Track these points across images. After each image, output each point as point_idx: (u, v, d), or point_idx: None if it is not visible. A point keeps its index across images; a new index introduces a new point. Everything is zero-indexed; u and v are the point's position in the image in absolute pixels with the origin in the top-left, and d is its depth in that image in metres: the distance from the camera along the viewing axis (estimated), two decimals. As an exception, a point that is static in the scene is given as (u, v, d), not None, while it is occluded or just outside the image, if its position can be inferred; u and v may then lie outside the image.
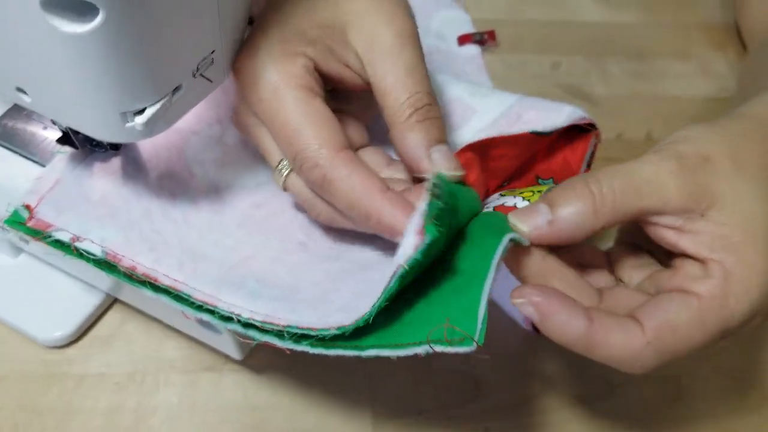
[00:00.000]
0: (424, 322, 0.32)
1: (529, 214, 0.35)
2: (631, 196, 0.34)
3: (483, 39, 0.65)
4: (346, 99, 0.40)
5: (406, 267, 0.30)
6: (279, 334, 0.34)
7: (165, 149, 0.41)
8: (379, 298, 0.31)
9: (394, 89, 0.36)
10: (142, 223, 0.37)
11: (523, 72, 0.64)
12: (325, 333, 0.32)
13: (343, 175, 0.34)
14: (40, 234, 0.36)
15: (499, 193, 0.40)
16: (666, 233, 0.35)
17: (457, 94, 0.46)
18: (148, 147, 0.41)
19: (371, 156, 0.39)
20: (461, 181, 0.37)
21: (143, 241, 0.36)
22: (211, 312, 0.34)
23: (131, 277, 0.35)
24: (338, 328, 0.32)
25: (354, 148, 0.38)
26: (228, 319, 0.34)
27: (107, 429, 0.43)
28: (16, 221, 0.37)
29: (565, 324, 0.33)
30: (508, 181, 0.43)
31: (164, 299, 0.35)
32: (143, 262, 0.35)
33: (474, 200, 0.38)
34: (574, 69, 0.65)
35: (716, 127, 0.36)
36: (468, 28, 0.66)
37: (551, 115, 0.43)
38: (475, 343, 0.30)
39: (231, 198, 0.40)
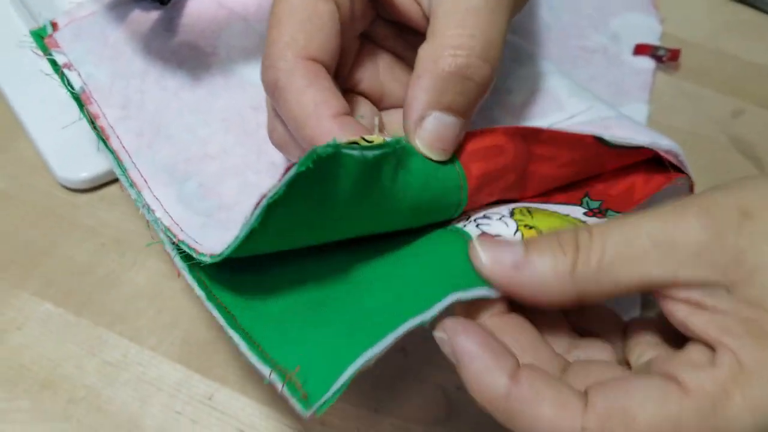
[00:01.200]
0: (293, 343, 0.27)
1: (498, 245, 0.27)
2: (628, 264, 0.26)
3: (663, 55, 0.55)
4: (412, 45, 0.34)
5: (266, 202, 0.25)
6: (174, 246, 0.30)
7: (207, 21, 0.39)
8: (237, 236, 0.26)
9: (443, 23, 0.29)
10: (133, 77, 0.36)
11: (694, 107, 0.54)
12: (202, 258, 0.28)
13: (297, 86, 0.29)
14: (46, 51, 0.36)
15: (509, 208, 0.33)
16: (676, 308, 0.26)
17: (554, 86, 0.39)
18: (192, 13, 0.39)
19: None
20: (439, 162, 0.30)
21: (121, 96, 0.35)
22: (138, 194, 0.32)
23: (93, 123, 0.34)
24: (211, 256, 0.28)
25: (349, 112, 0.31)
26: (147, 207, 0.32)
27: (71, 277, 0.43)
28: (39, 34, 0.37)
29: (482, 378, 0.25)
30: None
31: (111, 159, 0.33)
32: (108, 115, 0.34)
33: (444, 194, 0.31)
34: (758, 123, 0.54)
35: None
36: (652, 39, 0.57)
37: (644, 138, 0.35)
38: (311, 409, 0.25)
39: (234, 90, 0.38)
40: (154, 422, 0.38)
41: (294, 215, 0.26)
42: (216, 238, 0.29)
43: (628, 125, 0.35)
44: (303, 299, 0.29)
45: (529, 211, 0.33)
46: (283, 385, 0.25)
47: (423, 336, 0.28)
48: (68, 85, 0.35)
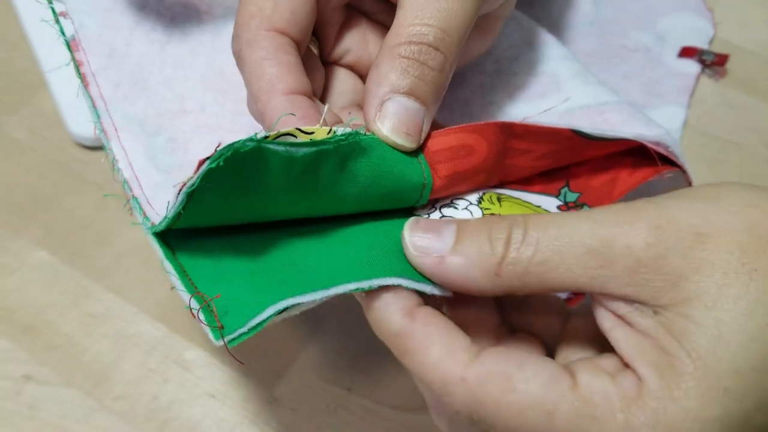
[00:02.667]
0: (221, 278, 0.27)
1: (428, 230, 0.26)
2: (556, 270, 0.24)
3: (710, 60, 0.52)
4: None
5: (185, 190, 0.24)
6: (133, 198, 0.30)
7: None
8: (165, 216, 0.26)
9: (405, 12, 0.29)
10: (122, 29, 0.36)
11: (735, 116, 0.51)
12: (146, 224, 0.28)
13: (255, 58, 0.28)
14: (50, 1, 0.37)
15: (479, 194, 0.31)
16: (603, 315, 0.25)
17: (558, 68, 0.37)
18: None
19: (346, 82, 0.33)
20: (400, 150, 0.29)
21: (107, 45, 0.35)
22: (107, 142, 0.32)
23: (78, 69, 0.34)
24: (152, 226, 0.28)
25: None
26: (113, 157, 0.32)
27: (69, 229, 0.43)
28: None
29: (381, 312, 0.25)
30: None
31: (88, 105, 0.34)
32: (92, 63, 0.34)
33: (403, 192, 0.29)
34: (805, 137, 0.50)
35: (750, 192, 0.24)
36: (701, 42, 0.54)
37: (637, 127, 0.33)
38: (222, 340, 0.25)
39: (220, 49, 0.37)
40: (125, 377, 0.38)
41: (219, 200, 0.25)
42: (165, 201, 0.29)
43: (626, 112, 0.33)
44: (242, 248, 0.28)
45: (499, 198, 0.31)
46: (198, 310, 0.25)
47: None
48: (62, 32, 0.35)
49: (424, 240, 0.26)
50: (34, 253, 0.42)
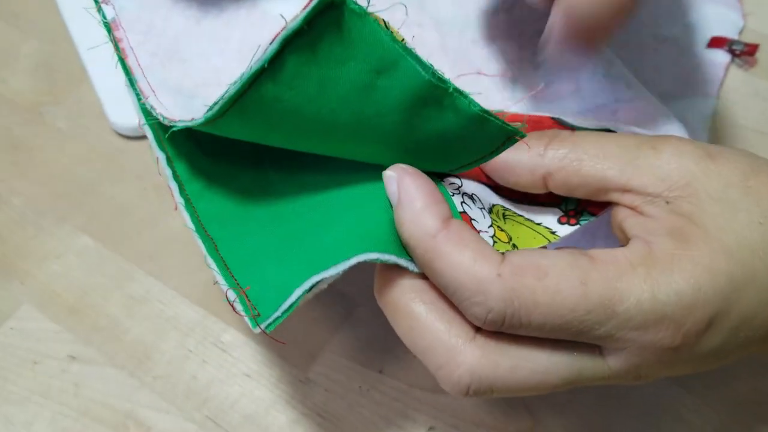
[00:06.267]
0: (252, 265, 0.28)
1: None
2: (592, 157, 0.29)
3: (740, 50, 0.52)
4: None
5: (288, 32, 0.23)
6: (159, 126, 0.31)
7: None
8: (236, 81, 0.25)
9: None
10: (160, 8, 0.37)
11: (765, 106, 0.51)
12: (182, 124, 0.28)
13: None
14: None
15: (490, 203, 0.32)
16: (617, 211, 0.29)
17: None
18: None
19: None
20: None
21: (145, 23, 0.36)
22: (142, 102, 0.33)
23: (116, 45, 0.35)
24: (192, 120, 0.27)
25: None
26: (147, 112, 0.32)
27: (112, 215, 0.45)
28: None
29: (417, 216, 0.27)
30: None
31: (124, 74, 0.34)
32: (130, 39, 0.35)
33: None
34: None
35: (751, 155, 0.29)
36: (731, 33, 0.54)
37: (648, 124, 0.33)
38: (259, 327, 0.26)
39: (254, 23, 0.38)
40: (165, 357, 0.40)
41: (310, 66, 0.24)
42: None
43: (636, 110, 0.34)
44: (271, 228, 0.29)
45: (504, 215, 0.32)
46: (235, 301, 0.26)
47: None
48: (103, 16, 0.36)
49: None
50: (78, 238, 0.44)
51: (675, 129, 0.33)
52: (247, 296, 0.26)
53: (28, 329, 0.41)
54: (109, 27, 0.35)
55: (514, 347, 0.27)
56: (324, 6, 0.23)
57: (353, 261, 0.26)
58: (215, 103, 0.25)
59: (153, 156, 0.32)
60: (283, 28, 0.23)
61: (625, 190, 0.28)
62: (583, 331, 0.26)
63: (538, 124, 0.32)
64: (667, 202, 0.28)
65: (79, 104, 0.49)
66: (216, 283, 0.28)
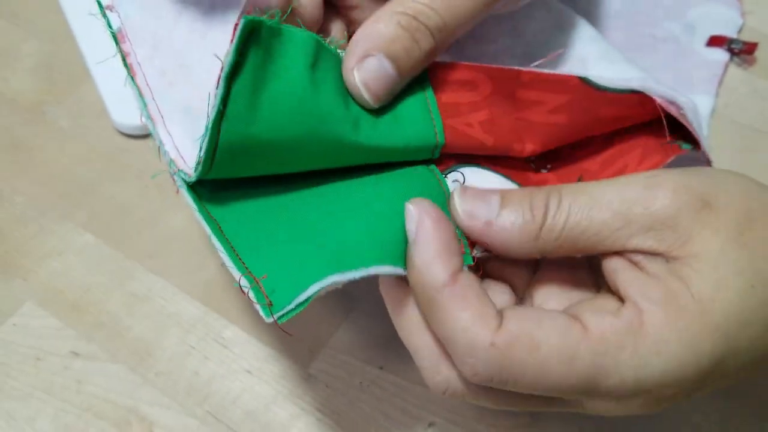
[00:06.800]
0: (267, 255, 0.28)
1: (476, 198, 0.29)
2: (587, 233, 0.27)
3: (738, 48, 0.53)
4: None
5: (227, 68, 0.26)
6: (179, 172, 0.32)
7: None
8: (210, 112, 0.27)
9: None
10: (165, 18, 0.37)
11: (765, 105, 0.51)
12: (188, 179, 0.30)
13: None
14: (97, -5, 0.38)
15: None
16: (612, 259, 0.28)
17: (584, 52, 0.38)
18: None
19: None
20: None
21: (151, 35, 0.36)
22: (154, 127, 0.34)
23: (124, 60, 0.36)
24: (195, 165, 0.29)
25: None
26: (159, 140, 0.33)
27: (113, 214, 0.45)
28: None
29: (429, 264, 0.27)
30: (547, 169, 0.35)
31: (135, 94, 0.35)
32: (138, 54, 0.36)
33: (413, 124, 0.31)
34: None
35: (751, 182, 0.29)
36: (730, 32, 0.54)
37: (655, 87, 0.33)
38: (272, 316, 0.26)
39: None
40: (166, 353, 0.40)
41: (254, 92, 0.27)
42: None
43: (656, 87, 0.34)
44: (284, 217, 0.29)
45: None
46: (249, 290, 0.26)
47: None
48: (109, 25, 0.37)
49: (473, 206, 0.29)
50: (79, 236, 0.44)
51: (684, 101, 0.33)
52: (262, 285, 0.26)
53: (30, 326, 0.41)
54: (116, 38, 0.35)
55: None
56: (246, 33, 0.26)
57: (372, 271, 0.27)
58: (197, 162, 0.28)
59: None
60: (221, 69, 0.26)
61: (625, 251, 0.28)
62: (565, 395, 0.27)
63: (564, 84, 0.32)
64: (667, 261, 0.27)
65: (80, 103, 0.49)
66: (223, 264, 0.28)
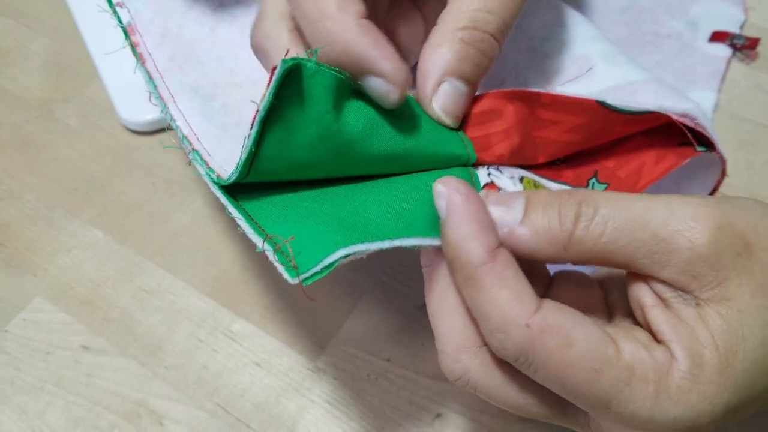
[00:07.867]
0: (290, 221, 0.28)
1: (498, 203, 0.28)
2: (622, 250, 0.26)
3: (740, 44, 0.53)
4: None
5: (262, 112, 0.26)
6: (193, 152, 0.32)
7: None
8: (243, 148, 0.27)
9: None
10: (174, 13, 0.38)
11: (766, 100, 0.51)
12: (210, 175, 0.30)
13: None
14: (107, -7, 0.39)
15: (520, 174, 0.33)
16: (642, 292, 0.27)
17: (590, 51, 0.38)
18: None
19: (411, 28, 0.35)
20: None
21: (160, 27, 0.37)
22: (164, 106, 0.34)
23: (134, 50, 0.36)
24: (217, 178, 0.29)
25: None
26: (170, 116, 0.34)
27: (123, 210, 0.45)
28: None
29: (464, 242, 0.26)
30: (561, 161, 0.35)
31: (144, 78, 0.35)
32: (147, 43, 0.36)
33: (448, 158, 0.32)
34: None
35: None
36: (732, 28, 0.54)
37: (665, 103, 0.34)
38: (298, 277, 0.26)
39: None
40: (176, 347, 0.40)
41: (287, 129, 0.27)
42: (227, 150, 0.31)
43: (654, 90, 0.34)
44: (305, 194, 0.30)
45: (536, 185, 0.33)
46: (273, 252, 0.26)
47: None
48: (119, 20, 0.37)
49: (494, 212, 0.27)
50: (89, 232, 0.44)
51: (682, 105, 0.33)
52: (290, 246, 0.26)
53: (40, 321, 0.41)
54: (126, 31, 0.36)
55: (508, 380, 0.28)
56: (284, 75, 0.26)
57: (397, 243, 0.27)
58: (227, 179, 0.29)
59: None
60: (257, 111, 0.26)
61: (656, 280, 0.27)
62: (576, 401, 0.26)
63: (582, 107, 0.32)
64: (698, 304, 0.26)
65: (88, 101, 0.50)
66: (239, 228, 0.28)
